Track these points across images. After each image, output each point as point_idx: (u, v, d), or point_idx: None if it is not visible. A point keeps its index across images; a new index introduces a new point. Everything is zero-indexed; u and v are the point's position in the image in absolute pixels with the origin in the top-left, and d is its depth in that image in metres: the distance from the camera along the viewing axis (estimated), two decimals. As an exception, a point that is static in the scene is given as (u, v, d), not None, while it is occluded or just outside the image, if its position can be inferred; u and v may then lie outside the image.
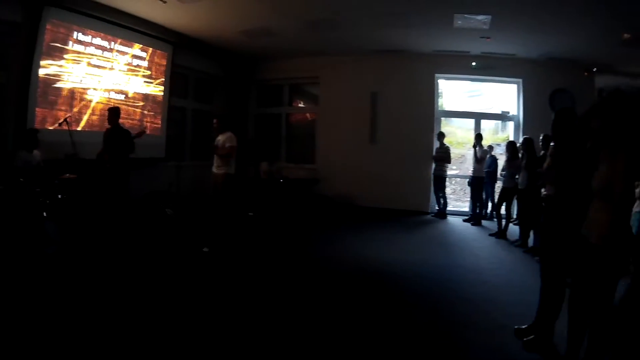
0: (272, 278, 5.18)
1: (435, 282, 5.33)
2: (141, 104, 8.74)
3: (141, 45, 8.60)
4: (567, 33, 7.70)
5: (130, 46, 8.35)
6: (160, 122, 9.19)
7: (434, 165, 9.95)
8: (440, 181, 9.86)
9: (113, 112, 6.87)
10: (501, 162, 8.63)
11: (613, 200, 2.61)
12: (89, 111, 7.63)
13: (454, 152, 10.27)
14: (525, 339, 3.66)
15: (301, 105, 12.22)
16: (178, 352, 3.24)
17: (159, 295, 4.41)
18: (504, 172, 8.15)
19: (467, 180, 9.73)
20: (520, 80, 10.12)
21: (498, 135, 10.78)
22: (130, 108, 8.47)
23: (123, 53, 8.21)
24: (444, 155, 9.75)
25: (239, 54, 10.70)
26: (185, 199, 8.38)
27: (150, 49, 8.83)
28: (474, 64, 9.98)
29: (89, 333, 3.43)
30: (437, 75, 10.44)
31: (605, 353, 2.77)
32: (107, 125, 6.94)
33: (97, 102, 7.75)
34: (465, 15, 7.32)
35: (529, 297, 4.43)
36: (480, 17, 7.35)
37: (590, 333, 2.89)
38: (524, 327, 3.84)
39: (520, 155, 7.69)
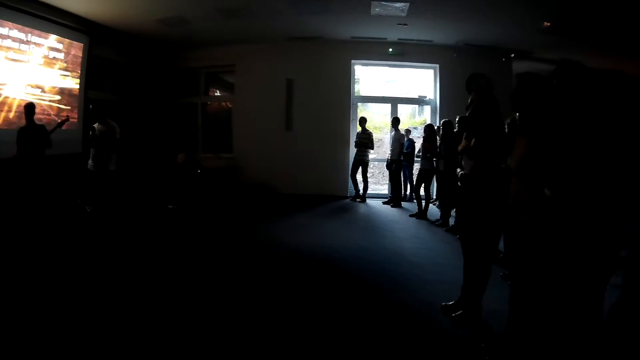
0: (195, 271, 4.93)
1: (360, 264, 5.32)
2: (57, 98, 8.16)
3: (57, 37, 8.02)
4: (485, 20, 7.91)
5: (46, 38, 7.76)
6: (76, 116, 8.60)
7: (355, 151, 9.96)
8: (362, 166, 9.89)
9: (28, 109, 6.43)
10: (419, 144, 8.77)
11: (533, 179, 2.67)
12: (5, 108, 7.05)
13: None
14: (453, 315, 3.70)
15: (217, 94, 11.84)
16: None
17: (82, 295, 4.05)
18: (421, 154, 8.30)
19: (385, 163, 9.84)
20: (437, 65, 10.37)
21: (415, 119, 10.98)
22: (46, 103, 7.88)
23: (39, 45, 7.63)
24: (366, 141, 9.79)
25: (156, 43, 10.19)
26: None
27: (67, 40, 8.25)
28: (390, 50, 10.09)
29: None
30: (353, 61, 10.47)
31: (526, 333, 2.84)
32: (24, 122, 6.49)
33: (13, 98, 7.17)
34: (383, 3, 7.34)
35: (453, 274, 4.55)
36: (398, 5, 7.39)
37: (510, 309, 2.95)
38: (450, 303, 3.90)
39: (438, 137, 7.89)
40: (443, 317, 3.76)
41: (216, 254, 5.61)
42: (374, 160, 10.82)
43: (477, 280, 3.65)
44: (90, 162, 6.47)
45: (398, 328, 3.57)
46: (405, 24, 8.49)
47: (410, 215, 8.43)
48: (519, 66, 9.89)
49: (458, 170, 3.89)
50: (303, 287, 4.48)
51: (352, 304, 4.06)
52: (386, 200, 9.84)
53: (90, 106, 6.42)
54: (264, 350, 3.14)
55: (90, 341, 3.13)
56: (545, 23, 7.77)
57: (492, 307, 3.74)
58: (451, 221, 7.52)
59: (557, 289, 2.38)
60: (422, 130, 8.62)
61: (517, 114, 2.98)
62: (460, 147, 3.82)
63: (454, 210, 7.36)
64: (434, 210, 8.55)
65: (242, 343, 3.24)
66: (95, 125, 6.45)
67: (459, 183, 3.85)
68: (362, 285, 4.57)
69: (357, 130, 10.05)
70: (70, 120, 7.52)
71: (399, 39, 9.78)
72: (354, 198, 10.08)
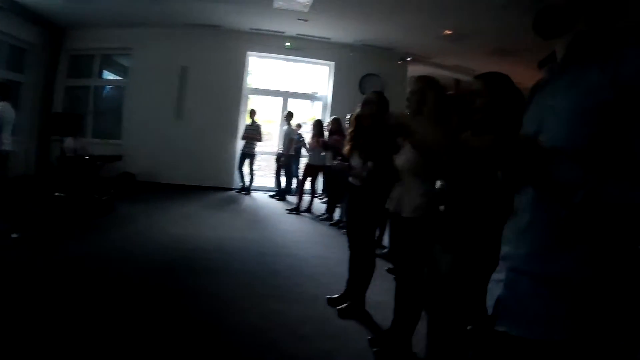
0: (76, 263, 4.49)
1: (245, 257, 5.22)
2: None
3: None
4: (385, 22, 8.14)
5: None
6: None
7: (243, 142, 9.80)
8: (249, 158, 9.75)
9: None
10: (307, 139, 8.85)
11: (420, 178, 2.79)
12: None
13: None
14: (338, 307, 3.73)
15: (111, 77, 11.01)
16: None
17: None
18: (309, 149, 8.37)
19: (275, 156, 9.80)
20: (333, 63, 10.49)
21: (306, 114, 11.03)
22: None
23: None
24: (254, 133, 9.66)
25: (53, 20, 9.27)
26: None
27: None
28: (287, 44, 10.06)
29: None
30: (249, 53, 10.31)
31: (413, 322, 2.93)
32: None
33: None
34: (287, -3, 7.29)
35: (338, 268, 4.63)
36: (302, 0, 7.37)
37: (395, 299, 3.04)
38: (335, 296, 3.94)
39: (327, 133, 7.99)
40: (329, 309, 3.79)
41: (101, 244, 5.21)
42: (263, 153, 10.72)
43: (363, 273, 3.72)
44: None
45: (285, 320, 3.53)
46: (306, 20, 8.51)
47: (289, 210, 8.39)
48: (414, 69, 10.35)
49: (351, 165, 3.94)
50: (187, 278, 4.30)
51: (237, 296, 3.95)
52: (273, 193, 9.80)
53: None
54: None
55: None
56: (447, 31, 8.17)
57: (377, 299, 3.84)
58: (336, 216, 7.65)
59: (438, 283, 2.46)
60: (311, 126, 8.68)
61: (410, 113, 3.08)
62: (348, 144, 3.88)
63: (339, 205, 7.50)
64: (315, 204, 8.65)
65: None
66: None
67: (349, 179, 3.90)
68: (248, 278, 4.47)
69: (247, 122, 9.90)
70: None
71: (297, 34, 9.79)
72: (240, 190, 9.93)
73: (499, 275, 1.29)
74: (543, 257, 1.14)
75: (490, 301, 1.30)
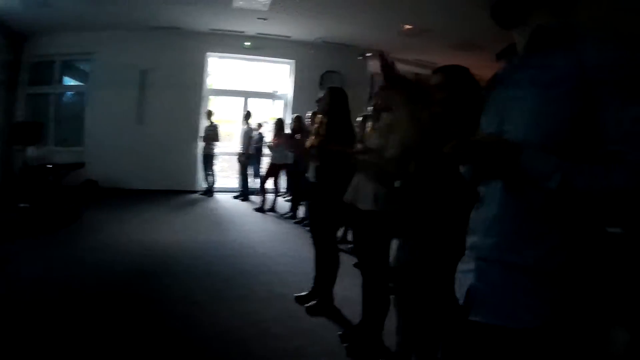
0: (44, 274, 4.38)
1: (212, 259, 5.19)
2: None
3: None
4: (344, 19, 8.16)
5: None
6: None
7: (202, 144, 9.70)
8: (209, 159, 9.66)
9: None
10: (269, 138, 8.79)
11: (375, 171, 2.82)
12: None
13: (222, 129, 10.15)
14: (307, 305, 3.75)
15: (72, 83, 10.66)
16: None
17: None
18: (271, 148, 8.35)
19: (237, 157, 9.73)
20: (293, 61, 10.49)
21: (268, 114, 10.99)
22: None
23: None
24: (212, 134, 9.58)
25: (12, 27, 8.95)
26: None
27: None
28: (247, 44, 10.01)
29: None
30: (208, 53, 10.22)
31: (382, 315, 2.97)
32: None
33: None
34: (247, -4, 7.24)
35: (304, 265, 4.64)
36: (261, -1, 7.33)
37: (363, 294, 3.07)
38: (303, 294, 3.96)
39: (289, 131, 7.99)
40: (298, 307, 3.80)
41: (69, 253, 5.09)
42: (225, 153, 10.63)
43: (328, 270, 3.75)
44: None
45: (255, 320, 3.53)
46: (265, 19, 8.47)
47: (254, 209, 8.40)
48: (374, 65, 10.42)
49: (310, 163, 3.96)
50: (155, 284, 4.26)
51: (205, 298, 3.93)
52: (237, 194, 9.73)
53: None
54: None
55: None
56: (406, 26, 8.27)
57: (345, 294, 3.88)
58: (300, 213, 7.67)
59: (404, 276, 2.49)
60: (273, 125, 8.65)
61: (373, 109, 3.12)
62: (309, 143, 3.90)
63: (303, 202, 7.51)
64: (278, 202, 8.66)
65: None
66: None
67: (307, 176, 3.93)
68: (216, 280, 4.44)
69: (205, 124, 9.81)
70: None
71: (257, 33, 9.73)
72: (204, 192, 9.84)
73: (467, 265, 1.30)
74: (514, 245, 1.15)
75: (460, 291, 1.31)
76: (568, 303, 1.09)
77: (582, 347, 1.11)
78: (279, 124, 8.35)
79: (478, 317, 1.22)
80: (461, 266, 1.34)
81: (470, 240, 1.30)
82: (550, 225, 1.10)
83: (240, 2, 7.55)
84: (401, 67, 3.00)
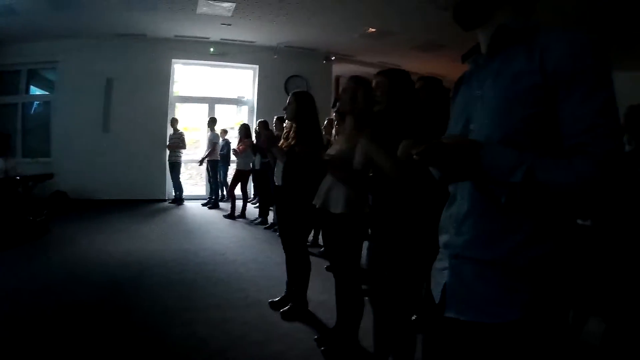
0: (17, 288, 4.31)
1: (184, 268, 5.16)
2: None
3: None
4: (308, 23, 8.20)
5: None
6: None
7: (168, 152, 9.61)
8: (175, 167, 9.57)
9: None
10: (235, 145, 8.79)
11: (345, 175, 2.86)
12: None
13: (189, 137, 10.05)
14: (282, 310, 3.77)
15: (38, 92, 10.38)
16: None
17: None
18: (237, 154, 8.34)
19: (200, 164, 9.68)
20: (257, 66, 10.49)
21: (233, 119, 10.95)
22: None
23: None
24: (178, 142, 9.50)
25: None
26: None
27: None
28: (212, 50, 9.96)
29: None
30: (174, 60, 10.13)
31: (357, 317, 3.01)
32: None
33: None
34: (210, 2, 7.21)
35: (276, 270, 4.67)
36: (225, 5, 7.31)
37: (336, 297, 3.11)
38: (277, 299, 3.98)
39: (254, 137, 7.99)
40: (273, 313, 3.82)
41: (39, 267, 4.99)
42: (192, 161, 10.55)
43: (300, 274, 3.78)
44: None
45: (231, 328, 3.53)
46: (230, 24, 8.47)
47: (224, 216, 8.38)
48: (338, 68, 10.52)
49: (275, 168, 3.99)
50: (129, 295, 4.21)
51: (179, 308, 3.90)
52: (205, 202, 9.67)
53: None
54: None
55: None
56: (370, 29, 8.36)
57: (319, 298, 3.91)
58: (270, 219, 7.67)
59: (378, 277, 2.54)
60: (238, 131, 8.64)
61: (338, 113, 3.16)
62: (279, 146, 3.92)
63: (272, 207, 7.51)
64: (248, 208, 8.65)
65: None
66: None
67: (274, 180, 3.96)
68: (189, 289, 4.42)
69: (170, 132, 9.72)
70: None
71: (221, 39, 9.71)
72: (173, 201, 9.75)
73: (441, 263, 1.31)
74: (485, 242, 1.16)
75: (436, 289, 1.32)
76: (541, 297, 1.11)
77: (558, 339, 1.13)
78: (244, 129, 8.35)
79: (453, 314, 1.23)
80: (436, 264, 1.36)
81: (443, 238, 1.32)
82: (519, 221, 1.11)
83: (205, 8, 7.52)
84: (365, 70, 3.06)
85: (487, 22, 1.23)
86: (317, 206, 3.03)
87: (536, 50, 1.10)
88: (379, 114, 2.43)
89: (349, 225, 2.83)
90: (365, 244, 2.78)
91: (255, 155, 7.85)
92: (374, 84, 2.51)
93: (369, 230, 2.77)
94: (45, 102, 10.11)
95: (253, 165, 8.04)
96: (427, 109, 2.77)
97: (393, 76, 2.45)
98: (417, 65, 10.01)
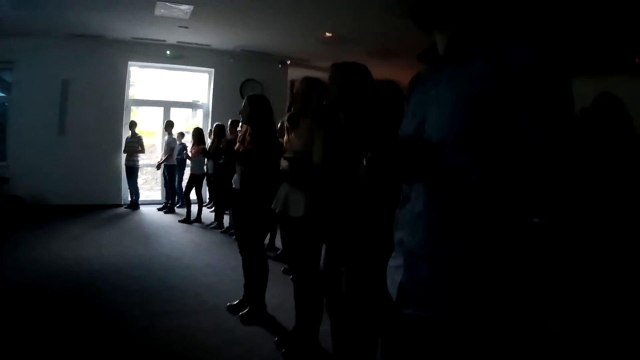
0: None
1: (140, 273, 5.08)
2: None
3: None
4: (265, 27, 8.18)
5: None
6: None
7: (124, 156, 9.41)
8: (132, 172, 9.38)
9: None
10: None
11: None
12: None
13: (145, 141, 9.85)
14: (240, 314, 3.77)
15: None
16: None
17: None
18: (190, 158, 8.31)
19: (157, 168, 9.54)
20: (213, 70, 10.42)
21: (188, 123, 10.84)
22: None
23: None
24: (135, 145, 9.31)
25: None
26: None
27: None
28: (168, 52, 9.84)
29: None
30: (130, 63, 9.92)
31: (316, 319, 3.05)
32: None
33: None
34: (168, 4, 7.10)
35: (233, 274, 4.67)
36: (183, 7, 7.22)
37: (295, 299, 3.14)
38: (235, 303, 3.99)
39: (210, 141, 7.94)
40: (231, 317, 3.82)
41: None
42: (147, 165, 10.36)
43: (258, 277, 3.80)
44: None
45: (189, 333, 3.52)
46: (187, 27, 8.37)
47: (179, 221, 8.28)
48: (294, 73, 10.55)
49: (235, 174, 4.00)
50: (85, 302, 4.11)
51: (135, 315, 3.86)
52: (161, 206, 9.53)
53: None
54: None
55: None
56: (327, 34, 8.43)
57: (277, 301, 3.93)
58: (225, 222, 7.66)
59: (333, 278, 2.56)
60: (192, 135, 8.56)
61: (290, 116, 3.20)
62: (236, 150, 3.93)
63: (227, 211, 7.48)
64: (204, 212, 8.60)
65: None
66: None
67: (233, 184, 3.96)
68: (146, 295, 4.37)
69: (127, 135, 9.51)
70: None
71: (178, 42, 9.59)
72: (129, 206, 9.55)
73: (396, 261, 1.32)
74: (439, 241, 1.17)
75: (392, 287, 1.33)
76: (491, 293, 1.12)
77: (511, 335, 1.16)
78: (198, 133, 8.29)
79: (409, 310, 1.25)
80: (392, 262, 1.37)
81: (398, 235, 1.34)
82: (472, 220, 1.13)
83: (162, 10, 7.41)
84: (320, 75, 3.11)
85: (446, 24, 1.23)
86: (276, 210, 3.05)
87: (494, 55, 1.11)
88: (329, 106, 2.44)
89: (309, 228, 2.87)
90: (324, 247, 2.82)
91: (206, 160, 7.82)
92: (327, 77, 2.51)
93: (327, 232, 2.80)
94: (1, 104, 9.68)
95: (207, 169, 7.99)
96: (384, 110, 2.82)
97: (346, 69, 2.44)
98: (373, 72, 10.04)
